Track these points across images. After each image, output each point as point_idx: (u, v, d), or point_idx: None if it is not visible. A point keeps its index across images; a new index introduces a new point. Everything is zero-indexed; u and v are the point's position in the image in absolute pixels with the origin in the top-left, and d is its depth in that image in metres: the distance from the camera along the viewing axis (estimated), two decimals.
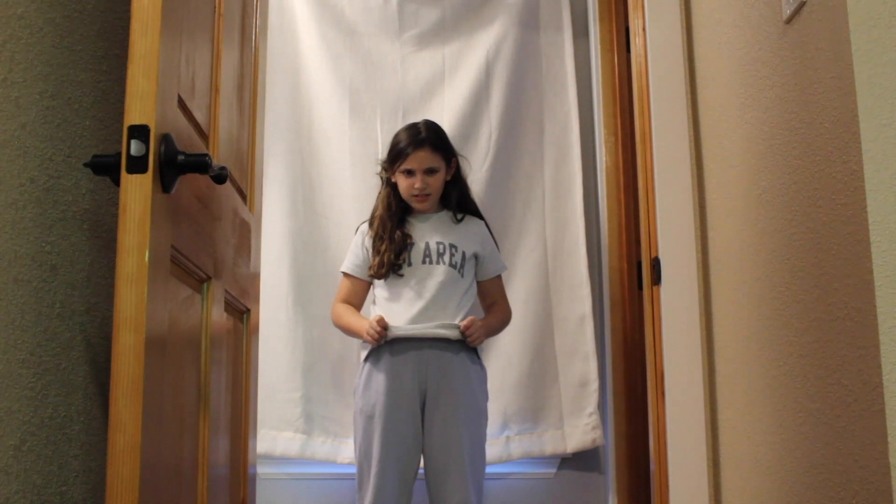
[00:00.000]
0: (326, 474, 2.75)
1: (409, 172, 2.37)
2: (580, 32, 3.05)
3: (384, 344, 2.24)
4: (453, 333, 2.23)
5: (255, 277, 1.89)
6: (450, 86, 2.94)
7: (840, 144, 1.19)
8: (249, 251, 1.79)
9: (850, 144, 1.15)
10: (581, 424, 2.74)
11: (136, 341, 1.00)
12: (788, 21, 1.37)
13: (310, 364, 2.75)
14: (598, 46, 2.92)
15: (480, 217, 2.46)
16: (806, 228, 1.33)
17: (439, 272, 2.30)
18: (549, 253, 2.86)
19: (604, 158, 2.89)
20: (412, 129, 2.41)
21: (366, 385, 2.26)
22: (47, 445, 1.21)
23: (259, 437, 2.19)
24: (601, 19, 2.93)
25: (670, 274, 1.96)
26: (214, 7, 1.46)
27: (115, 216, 1.39)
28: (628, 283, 2.77)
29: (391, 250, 2.32)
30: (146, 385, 1.01)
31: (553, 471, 2.81)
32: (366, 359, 2.30)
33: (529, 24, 3.00)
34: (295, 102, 2.93)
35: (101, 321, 1.38)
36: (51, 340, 1.22)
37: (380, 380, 2.22)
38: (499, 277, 2.46)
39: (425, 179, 2.35)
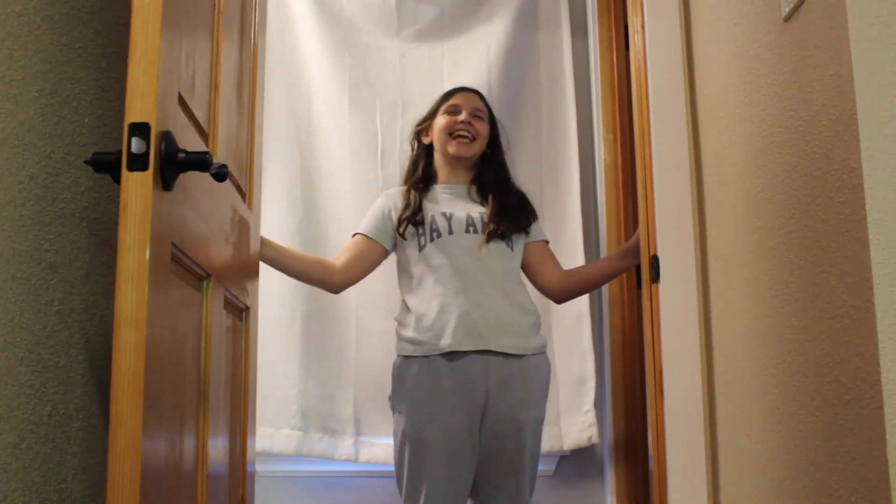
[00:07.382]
0: (324, 472, 2.75)
1: (454, 110, 2.16)
2: (579, 30, 3.05)
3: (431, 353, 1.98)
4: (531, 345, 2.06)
5: (255, 275, 1.89)
6: (449, 82, 2.94)
7: (839, 142, 1.19)
8: (249, 249, 1.79)
9: (848, 142, 1.15)
10: (577, 422, 2.74)
11: (136, 339, 1.00)
12: (787, 19, 1.37)
13: (306, 361, 2.75)
14: (597, 44, 2.93)
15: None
16: (804, 226, 1.33)
17: (490, 247, 2.09)
18: None
19: (602, 156, 2.89)
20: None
21: (413, 400, 1.98)
22: (46, 443, 1.21)
23: (257, 434, 2.17)
24: (600, 17, 2.93)
25: (669, 272, 1.95)
26: (214, 4, 1.47)
27: (114, 214, 1.40)
28: (627, 280, 2.77)
29: (408, 211, 2.11)
30: (147, 383, 1.01)
31: (551, 468, 2.81)
32: (405, 355, 2.05)
33: (528, 21, 3.01)
34: (293, 97, 2.93)
35: (100, 319, 1.38)
36: (49, 338, 1.22)
37: (432, 393, 1.97)
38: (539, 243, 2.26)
39: (472, 120, 2.14)
